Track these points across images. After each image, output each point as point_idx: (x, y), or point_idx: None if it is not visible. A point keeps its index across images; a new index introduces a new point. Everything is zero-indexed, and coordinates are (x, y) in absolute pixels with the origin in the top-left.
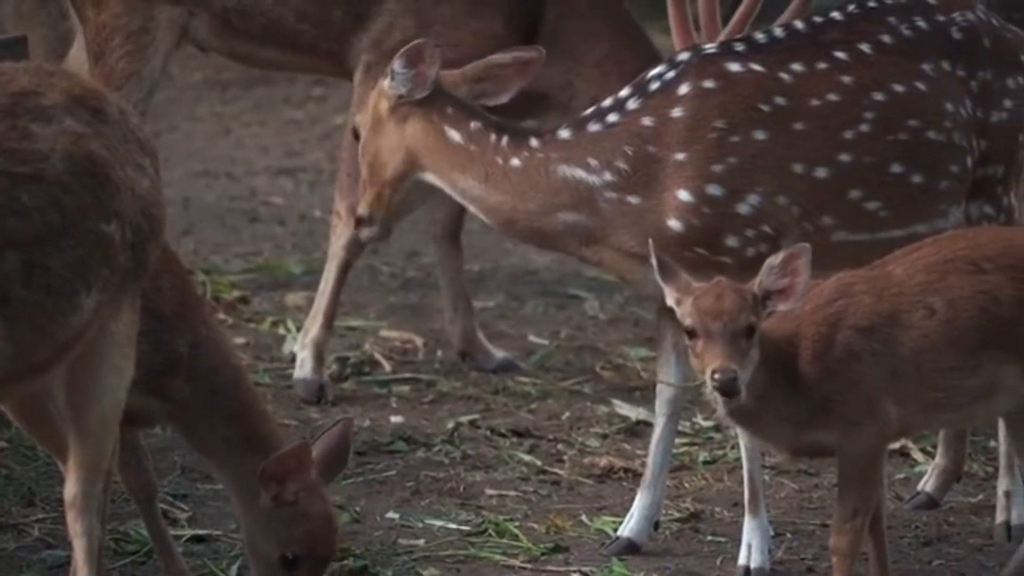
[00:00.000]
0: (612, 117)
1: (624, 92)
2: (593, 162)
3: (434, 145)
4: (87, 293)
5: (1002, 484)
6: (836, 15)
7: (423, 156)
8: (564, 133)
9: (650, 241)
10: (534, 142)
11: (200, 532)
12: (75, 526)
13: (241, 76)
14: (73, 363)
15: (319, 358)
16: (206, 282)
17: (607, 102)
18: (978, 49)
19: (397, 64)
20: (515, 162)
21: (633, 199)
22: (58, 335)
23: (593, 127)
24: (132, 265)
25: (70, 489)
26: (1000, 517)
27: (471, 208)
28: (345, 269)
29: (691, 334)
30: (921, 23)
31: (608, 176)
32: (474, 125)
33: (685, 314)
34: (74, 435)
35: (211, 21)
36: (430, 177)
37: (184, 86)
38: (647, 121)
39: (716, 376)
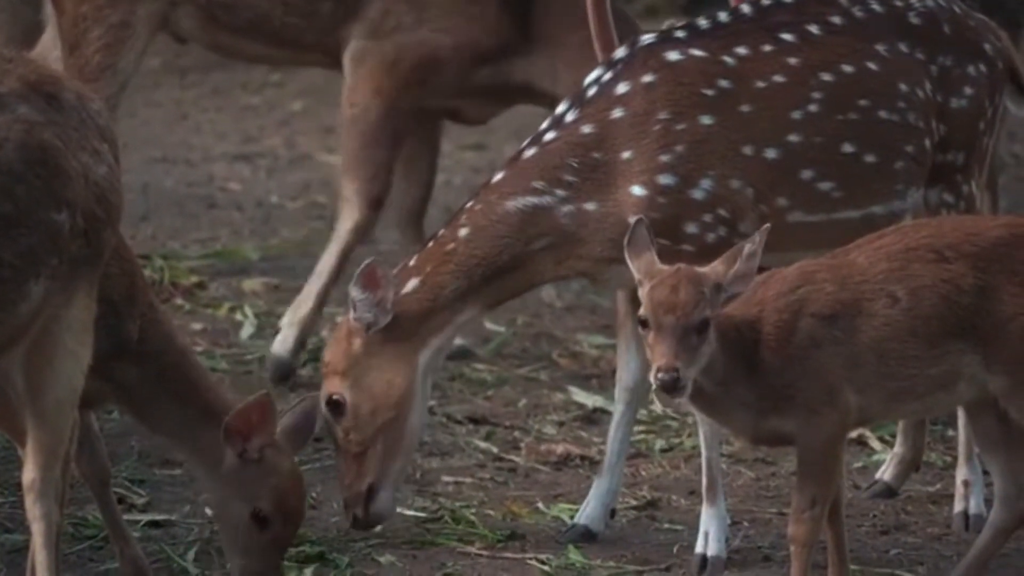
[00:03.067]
0: (549, 136)
1: (560, 108)
2: (539, 184)
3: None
4: (36, 281)
5: (960, 473)
6: None
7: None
8: (499, 175)
9: (634, 220)
10: (470, 203)
11: (157, 517)
12: (33, 510)
13: (199, 62)
14: (29, 349)
15: (301, 340)
16: (164, 268)
17: (544, 124)
18: (937, 35)
19: (355, 291)
20: (463, 232)
21: (590, 206)
22: (7, 323)
23: (529, 152)
24: (86, 253)
25: (28, 474)
26: (958, 506)
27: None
28: (348, 254)
29: (643, 324)
30: (876, 6)
31: (560, 192)
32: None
33: (642, 300)
34: (32, 420)
35: (195, 13)
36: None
37: (142, 72)
38: (587, 128)
39: (659, 375)
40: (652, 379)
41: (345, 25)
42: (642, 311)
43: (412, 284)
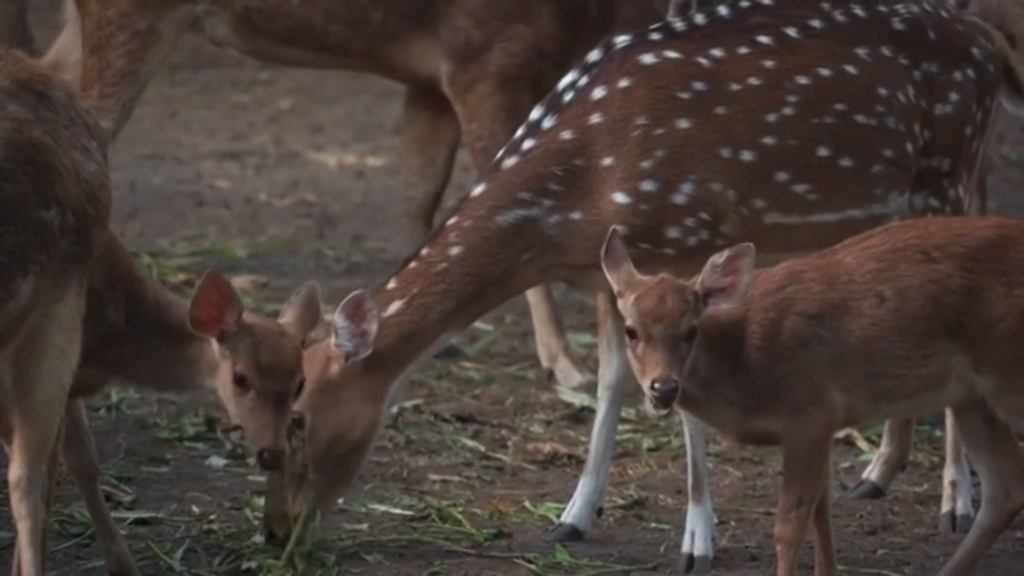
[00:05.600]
0: (528, 143)
1: (535, 114)
2: (526, 195)
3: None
4: (24, 278)
5: (948, 474)
6: (765, 0)
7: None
8: (480, 187)
9: (612, 229)
10: (455, 219)
11: (144, 515)
12: (20, 508)
13: (189, 59)
14: (19, 346)
15: None
16: (152, 265)
17: (519, 132)
18: (923, 41)
19: (339, 319)
20: (455, 250)
21: (576, 215)
22: None
23: (509, 162)
24: (76, 250)
25: (15, 471)
26: (945, 507)
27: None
28: None
29: (631, 334)
30: (858, 10)
31: (546, 202)
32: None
33: (626, 312)
34: (19, 417)
35: (232, 20)
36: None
37: None
38: (567, 135)
39: (656, 386)
40: (647, 391)
41: (405, 37)
42: (629, 322)
43: (395, 307)
